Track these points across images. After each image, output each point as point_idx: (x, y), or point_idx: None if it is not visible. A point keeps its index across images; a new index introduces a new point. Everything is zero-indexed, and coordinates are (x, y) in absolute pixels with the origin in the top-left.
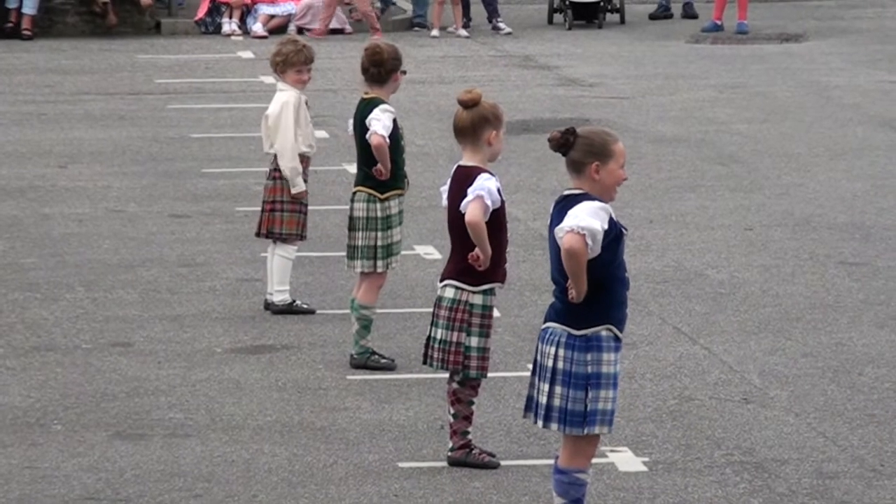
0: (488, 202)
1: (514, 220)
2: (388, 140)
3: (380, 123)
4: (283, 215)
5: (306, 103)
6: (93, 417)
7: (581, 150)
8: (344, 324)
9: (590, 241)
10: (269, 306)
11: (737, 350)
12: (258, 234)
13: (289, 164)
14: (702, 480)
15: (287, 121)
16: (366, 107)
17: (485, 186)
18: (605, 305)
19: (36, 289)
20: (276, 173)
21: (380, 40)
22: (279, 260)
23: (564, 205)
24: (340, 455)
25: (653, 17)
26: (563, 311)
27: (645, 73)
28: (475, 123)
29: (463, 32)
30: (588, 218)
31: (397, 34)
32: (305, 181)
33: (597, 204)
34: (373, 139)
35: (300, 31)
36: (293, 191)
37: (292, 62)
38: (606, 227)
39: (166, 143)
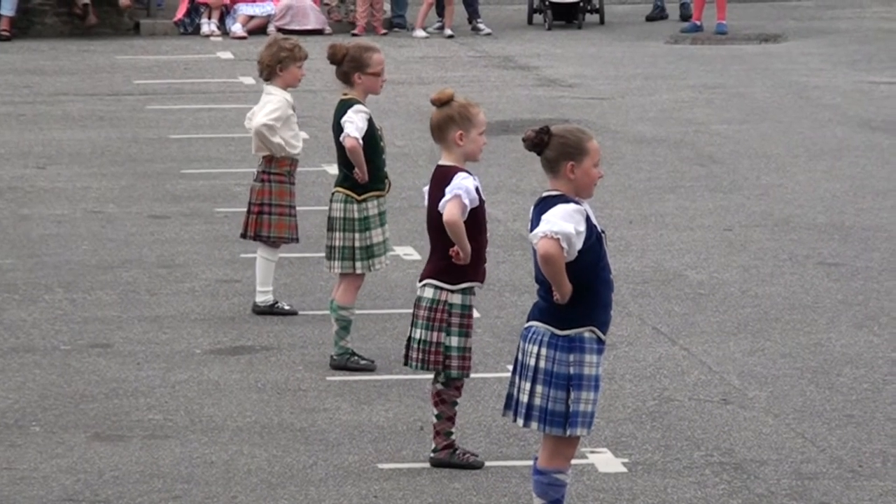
0: (466, 201)
1: (495, 221)
2: (360, 142)
3: (353, 126)
4: (270, 218)
5: (293, 107)
6: (71, 419)
7: (556, 149)
8: (324, 325)
9: (565, 245)
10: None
11: (716, 351)
12: (244, 236)
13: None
14: (681, 481)
15: (272, 106)
16: (342, 107)
17: (462, 185)
18: (590, 307)
19: (14, 290)
20: (263, 175)
21: (350, 40)
22: (262, 261)
23: (542, 207)
24: (320, 456)
25: (649, 18)
26: (546, 310)
27: (624, 73)
28: (440, 123)
29: (448, 31)
30: (560, 222)
31: (375, 35)
32: (293, 184)
33: (571, 207)
34: (346, 142)
35: (279, 31)
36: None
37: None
38: (582, 228)
39: (145, 144)
